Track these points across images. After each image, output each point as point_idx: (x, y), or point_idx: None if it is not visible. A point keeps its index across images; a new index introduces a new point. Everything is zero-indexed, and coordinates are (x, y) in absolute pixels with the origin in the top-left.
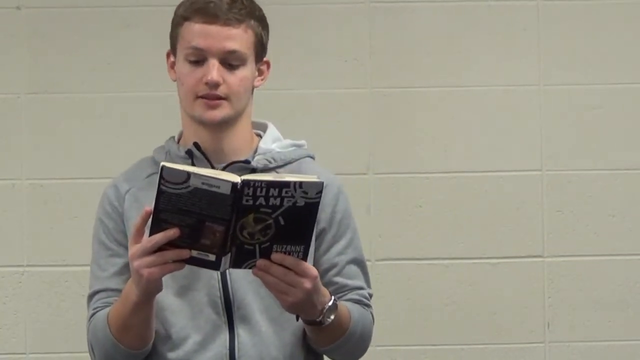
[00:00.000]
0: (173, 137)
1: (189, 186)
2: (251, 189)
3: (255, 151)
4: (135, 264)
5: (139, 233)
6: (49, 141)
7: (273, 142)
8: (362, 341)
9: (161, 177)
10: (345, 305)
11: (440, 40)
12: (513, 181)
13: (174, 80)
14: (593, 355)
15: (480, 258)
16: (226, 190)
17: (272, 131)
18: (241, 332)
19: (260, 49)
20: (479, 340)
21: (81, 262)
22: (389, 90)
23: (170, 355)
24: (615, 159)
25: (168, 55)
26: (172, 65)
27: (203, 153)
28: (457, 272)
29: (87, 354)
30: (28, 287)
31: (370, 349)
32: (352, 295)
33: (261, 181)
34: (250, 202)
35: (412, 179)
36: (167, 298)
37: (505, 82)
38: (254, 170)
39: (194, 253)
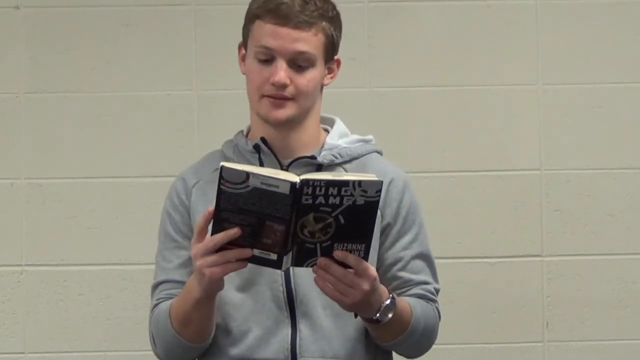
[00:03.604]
0: (242, 131)
1: (249, 186)
2: (310, 188)
3: (322, 146)
4: (198, 263)
5: (202, 233)
6: (48, 141)
7: (340, 138)
8: (426, 337)
9: (221, 176)
10: (407, 301)
11: (440, 40)
12: (512, 181)
13: (244, 74)
14: (592, 354)
15: (479, 257)
16: (285, 190)
17: (339, 126)
18: (303, 327)
19: (330, 49)
20: (477, 340)
21: (80, 262)
22: (389, 90)
23: (232, 350)
24: (615, 158)
25: (240, 48)
26: (243, 58)
27: (270, 148)
28: (456, 272)
29: (85, 354)
30: (26, 286)
31: None
32: (417, 290)
33: (320, 180)
34: (310, 201)
35: (411, 178)
36: (229, 292)
37: (505, 82)
38: (320, 166)
39: (256, 252)
